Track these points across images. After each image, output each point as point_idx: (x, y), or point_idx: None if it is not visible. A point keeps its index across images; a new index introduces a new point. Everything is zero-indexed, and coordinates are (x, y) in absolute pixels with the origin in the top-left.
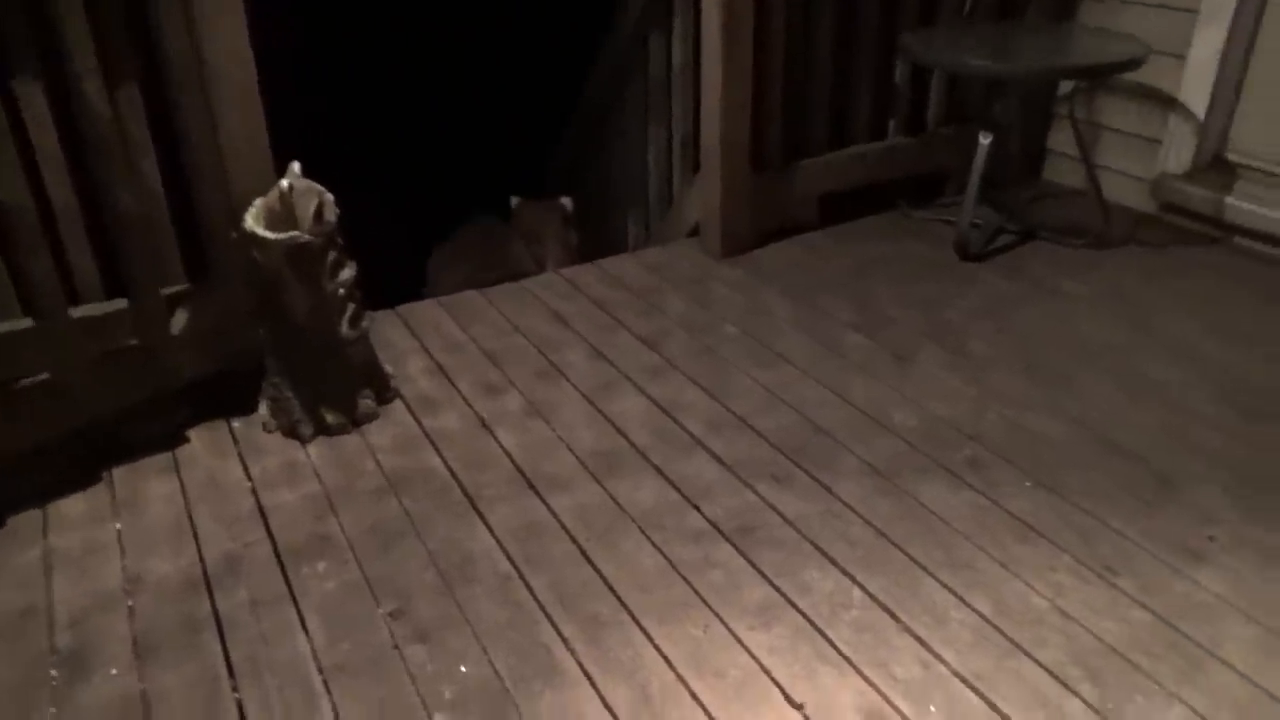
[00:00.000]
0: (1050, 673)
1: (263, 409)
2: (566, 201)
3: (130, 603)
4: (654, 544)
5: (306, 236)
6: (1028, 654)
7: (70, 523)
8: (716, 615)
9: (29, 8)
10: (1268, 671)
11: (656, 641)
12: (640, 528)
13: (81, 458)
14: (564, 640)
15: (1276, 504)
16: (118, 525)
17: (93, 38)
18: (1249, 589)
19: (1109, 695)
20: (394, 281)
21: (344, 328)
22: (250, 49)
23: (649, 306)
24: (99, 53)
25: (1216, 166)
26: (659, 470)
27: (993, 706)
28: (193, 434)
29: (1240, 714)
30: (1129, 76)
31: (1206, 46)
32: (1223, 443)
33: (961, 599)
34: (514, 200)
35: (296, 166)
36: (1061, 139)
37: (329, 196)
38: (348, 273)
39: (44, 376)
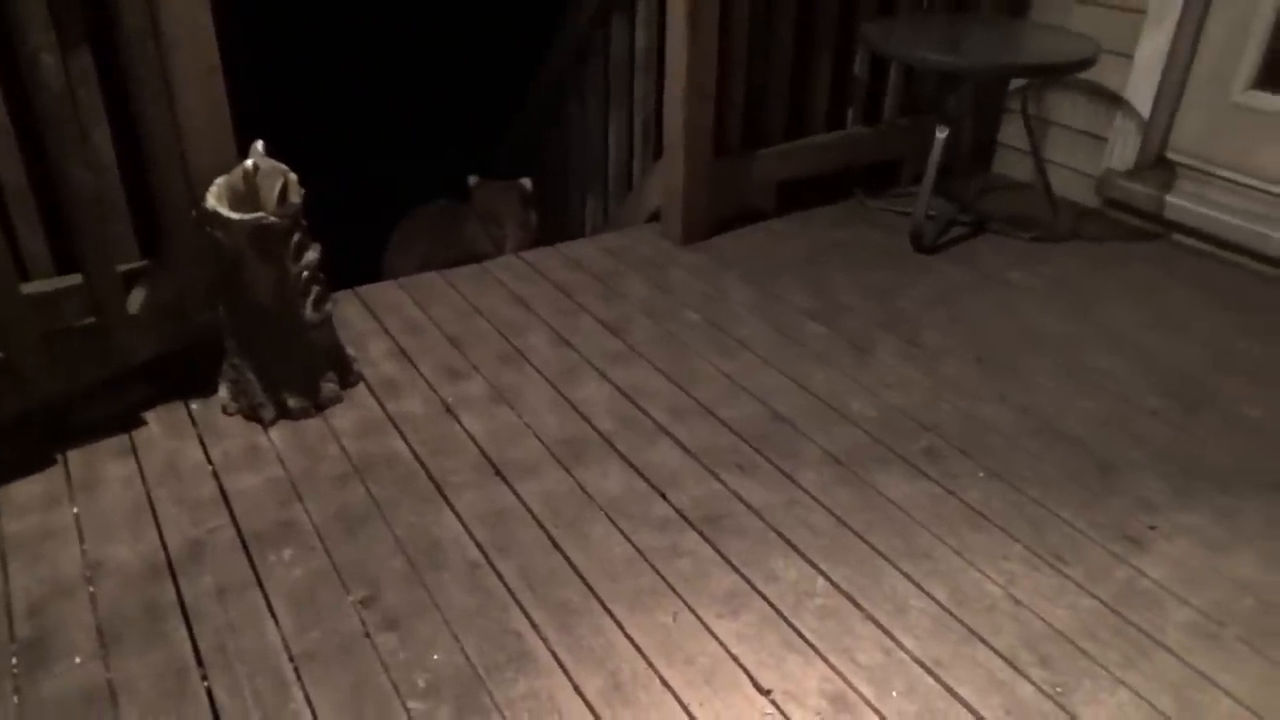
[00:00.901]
0: (1004, 658)
1: (222, 391)
2: (526, 182)
3: (91, 589)
4: (622, 532)
5: (271, 218)
6: (983, 640)
7: (25, 507)
8: (685, 603)
9: None
10: (1203, 655)
11: (626, 629)
12: (608, 515)
13: (35, 439)
14: (535, 627)
15: (1210, 492)
16: (75, 509)
17: (48, 7)
18: (1187, 576)
19: (1059, 679)
20: (351, 262)
21: (308, 310)
22: (211, 23)
23: (610, 291)
24: (53, 22)
25: (1159, 165)
26: (625, 458)
27: (950, 690)
28: (150, 415)
29: (1178, 695)
30: (1079, 75)
31: (1152, 47)
32: (1161, 431)
33: (920, 587)
34: (472, 179)
35: (260, 145)
36: (1012, 133)
37: (293, 177)
38: (312, 254)
39: None
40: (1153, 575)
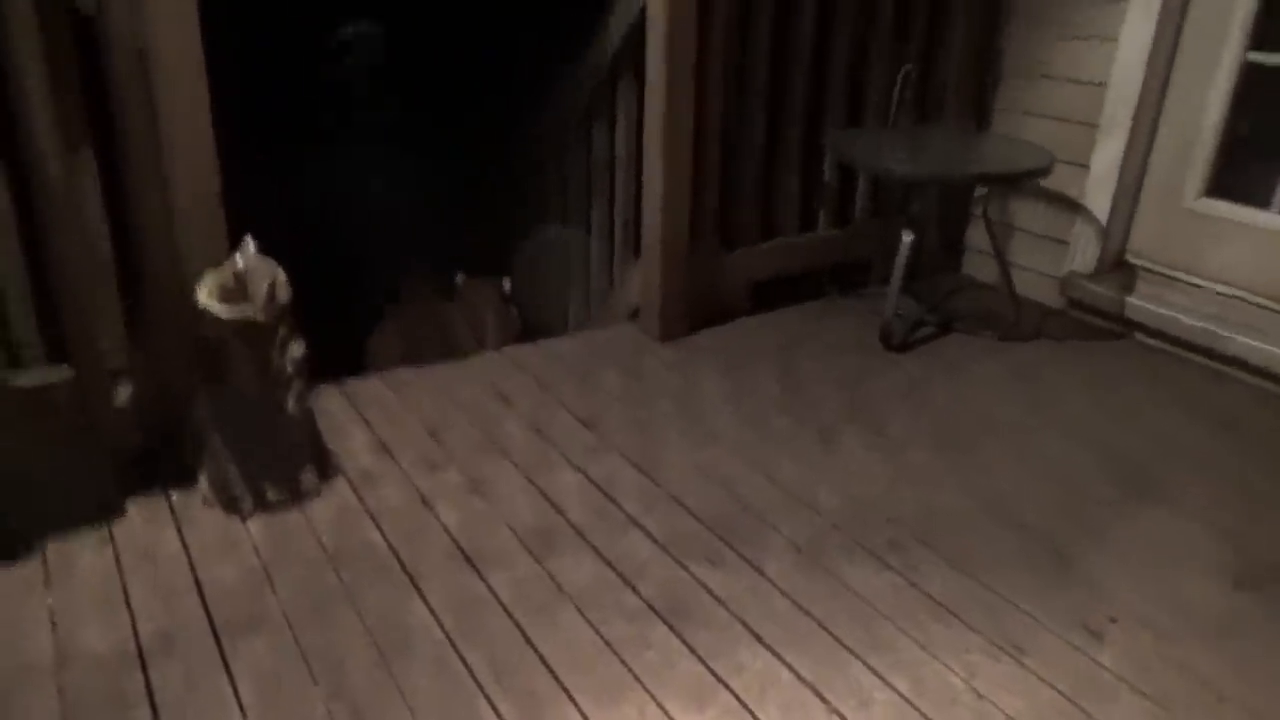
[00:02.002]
0: None
1: (203, 481)
2: (505, 282)
3: (60, 678)
4: (590, 622)
5: (258, 315)
6: None
7: (0, 594)
8: (651, 695)
9: None
10: None
11: None
12: (577, 605)
13: (14, 528)
14: (500, 717)
15: (1161, 578)
16: (49, 598)
17: (55, 107)
18: (1142, 666)
19: None
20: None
21: (290, 403)
22: (210, 125)
23: (588, 385)
24: (60, 122)
25: (1119, 267)
26: (595, 549)
27: None
28: (130, 506)
29: None
30: (1039, 182)
31: (1106, 158)
32: (1112, 518)
33: (883, 679)
34: (459, 278)
35: (251, 243)
36: (979, 236)
37: (282, 275)
38: (297, 350)
39: None
40: (1110, 666)
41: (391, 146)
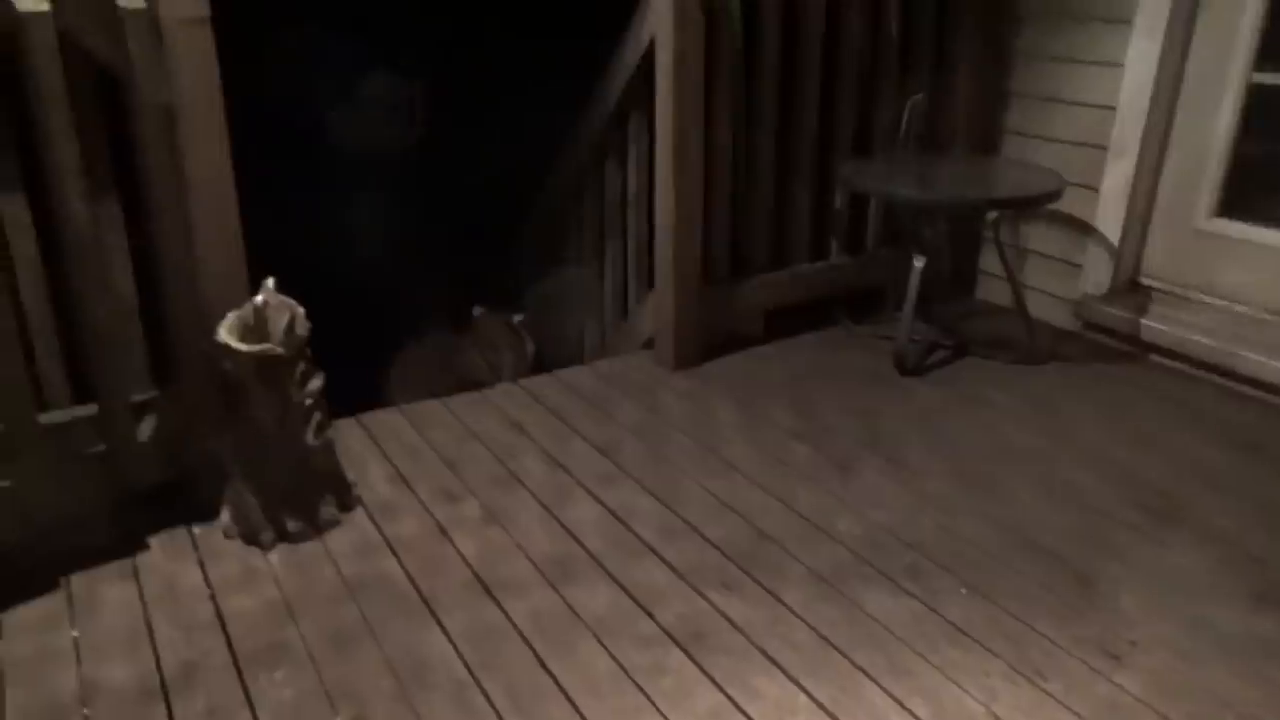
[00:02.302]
0: None
1: (224, 515)
2: (519, 316)
3: (86, 711)
4: (608, 650)
5: (278, 349)
6: None
7: (25, 629)
8: None
9: (14, 122)
10: None
11: None
12: (595, 634)
13: (39, 563)
14: None
15: (1184, 603)
16: (74, 632)
17: (79, 153)
18: (1166, 690)
19: None
20: (355, 388)
21: (310, 436)
22: (230, 167)
23: (603, 415)
24: (86, 170)
25: (1132, 289)
26: (613, 577)
27: None
28: (153, 540)
29: None
30: (1051, 206)
31: (1117, 180)
32: (1134, 543)
33: (902, 704)
34: (476, 311)
35: (270, 282)
36: (991, 261)
37: (301, 311)
38: (316, 383)
39: (5, 483)
40: (1131, 690)
41: (409, 187)
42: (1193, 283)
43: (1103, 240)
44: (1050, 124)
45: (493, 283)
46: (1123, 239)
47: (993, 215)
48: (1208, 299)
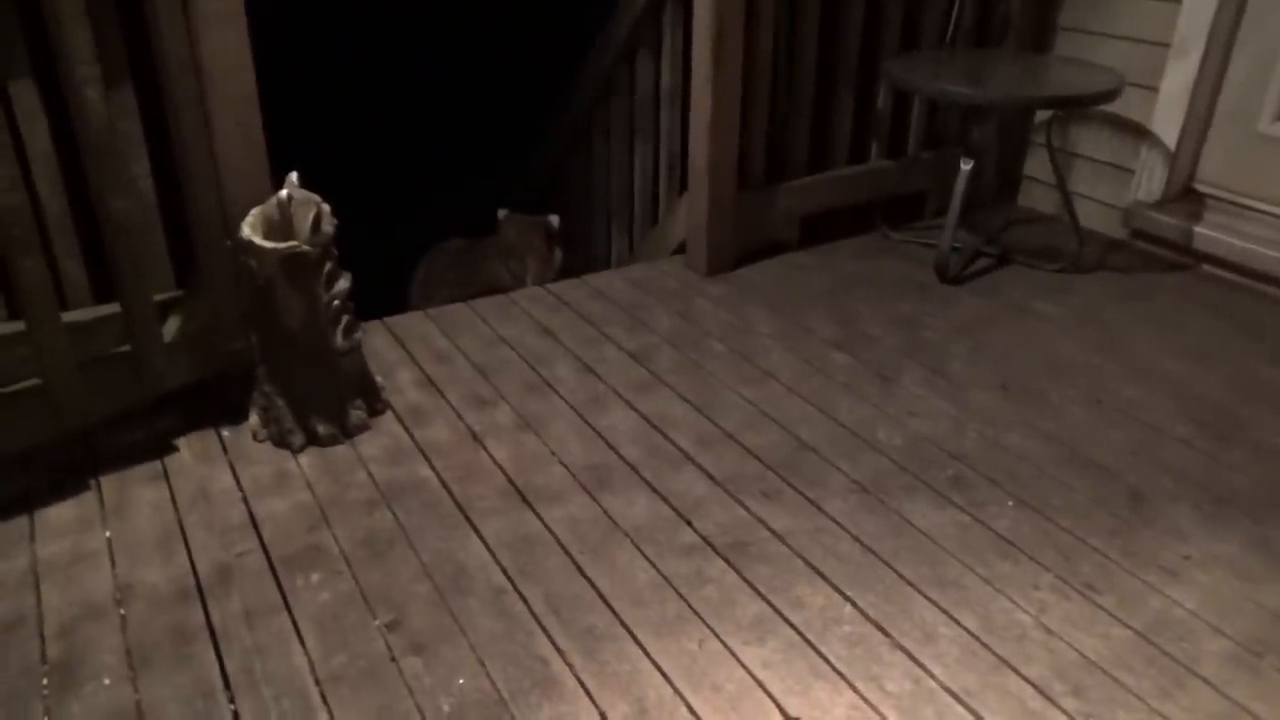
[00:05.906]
0: (1036, 687)
1: (253, 417)
2: (553, 219)
3: (122, 612)
4: (647, 558)
5: (304, 246)
6: (1014, 669)
7: (58, 531)
8: (711, 630)
9: (26, 10)
10: (1241, 685)
11: (652, 655)
12: (633, 542)
13: (69, 464)
14: (560, 653)
15: (1243, 521)
16: (107, 533)
17: (93, 41)
18: (1222, 606)
19: (1092, 709)
20: (377, 293)
21: (338, 338)
22: (250, 56)
23: (636, 322)
24: (98, 56)
25: (1186, 196)
26: (650, 485)
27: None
28: (181, 442)
29: None
30: (1103, 107)
31: (1178, 80)
32: (1190, 460)
33: (949, 615)
34: (501, 213)
35: (294, 177)
36: (1037, 166)
37: (326, 207)
38: (343, 283)
39: (33, 382)
40: (1186, 605)
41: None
42: (1252, 191)
43: (1158, 144)
44: (1108, 19)
45: (518, 185)
46: (1180, 143)
47: (1043, 116)
48: (1267, 208)
